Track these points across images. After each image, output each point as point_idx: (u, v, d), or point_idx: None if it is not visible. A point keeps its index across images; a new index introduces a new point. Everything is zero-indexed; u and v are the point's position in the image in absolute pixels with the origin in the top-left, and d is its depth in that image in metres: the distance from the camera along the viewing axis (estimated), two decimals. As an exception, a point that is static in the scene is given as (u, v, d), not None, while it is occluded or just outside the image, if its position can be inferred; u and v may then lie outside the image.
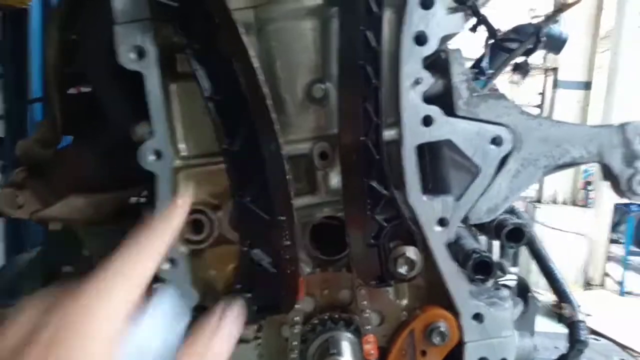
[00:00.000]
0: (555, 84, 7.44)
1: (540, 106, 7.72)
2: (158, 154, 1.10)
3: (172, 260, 1.10)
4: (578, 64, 7.27)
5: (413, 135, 1.06)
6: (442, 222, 1.06)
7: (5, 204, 1.47)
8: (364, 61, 1.02)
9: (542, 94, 7.72)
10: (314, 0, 1.09)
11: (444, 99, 1.10)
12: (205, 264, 1.17)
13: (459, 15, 1.09)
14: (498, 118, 1.06)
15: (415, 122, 1.06)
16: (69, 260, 1.76)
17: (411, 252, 1.02)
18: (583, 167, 7.04)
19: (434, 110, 1.06)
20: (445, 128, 1.06)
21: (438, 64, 1.11)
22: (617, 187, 1.06)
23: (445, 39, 1.12)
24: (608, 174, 1.07)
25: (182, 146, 1.14)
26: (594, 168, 7.27)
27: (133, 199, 1.61)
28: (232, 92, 1.03)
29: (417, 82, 1.06)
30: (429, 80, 1.06)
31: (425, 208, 1.06)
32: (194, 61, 1.03)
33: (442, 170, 1.10)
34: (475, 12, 2.42)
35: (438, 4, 1.05)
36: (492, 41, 2.49)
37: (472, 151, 1.06)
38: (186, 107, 1.13)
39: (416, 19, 1.05)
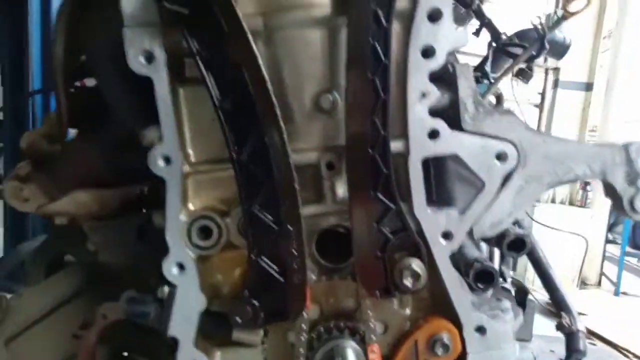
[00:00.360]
0: (556, 84, 7.44)
1: (540, 106, 7.71)
2: (167, 160, 1.11)
3: (180, 266, 1.12)
4: (580, 65, 7.26)
5: (419, 148, 1.07)
6: (447, 235, 1.07)
7: (10, 196, 1.49)
8: (373, 74, 1.03)
9: (543, 93, 7.71)
10: (322, 9, 1.10)
11: (450, 112, 1.11)
12: (212, 268, 1.18)
13: (466, 29, 1.10)
14: (503, 134, 1.08)
15: (422, 135, 1.07)
16: (71, 250, 1.79)
17: (416, 264, 1.04)
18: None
19: (441, 125, 1.07)
20: (451, 142, 1.07)
21: (445, 77, 1.12)
22: (619, 205, 1.07)
23: (452, 52, 1.14)
24: (610, 192, 1.08)
25: (190, 151, 1.15)
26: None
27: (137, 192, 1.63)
28: (242, 100, 1.04)
29: (423, 95, 1.07)
30: (435, 94, 1.07)
31: (430, 221, 1.08)
32: (204, 68, 1.04)
33: (447, 183, 1.11)
34: (480, 16, 2.43)
35: (446, 17, 1.06)
36: (495, 45, 2.50)
37: (477, 166, 1.08)
38: (195, 112, 1.14)
39: (424, 32, 1.06)
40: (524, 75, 2.36)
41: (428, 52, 1.06)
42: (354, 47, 1.04)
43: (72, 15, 1.41)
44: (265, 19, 1.10)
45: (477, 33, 2.56)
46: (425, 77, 1.06)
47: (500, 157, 1.08)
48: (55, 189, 1.52)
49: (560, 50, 2.65)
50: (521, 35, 2.54)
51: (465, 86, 1.09)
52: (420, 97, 1.07)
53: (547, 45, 2.15)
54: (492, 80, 2.47)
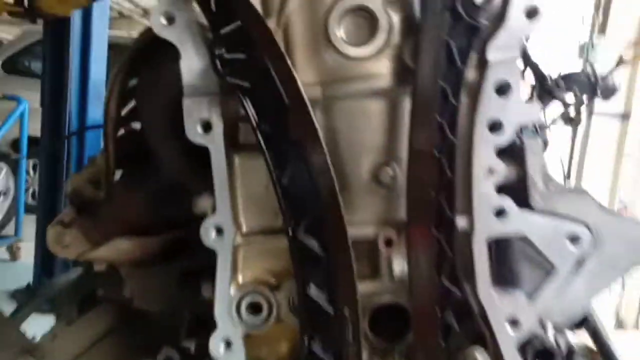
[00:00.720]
0: (591, 114, 7.26)
1: (572, 137, 7.51)
2: (219, 231, 1.07)
3: (227, 343, 1.07)
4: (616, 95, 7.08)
5: (485, 227, 1.01)
6: (514, 323, 1.01)
7: (52, 242, 1.48)
8: (439, 152, 0.98)
9: (576, 124, 7.52)
10: (382, 81, 1.06)
11: (517, 188, 1.05)
12: (258, 341, 1.13)
13: (536, 103, 1.05)
14: (576, 214, 1.02)
15: (488, 214, 1.01)
16: (106, 290, 1.78)
17: (481, 355, 0.97)
18: (617, 196, 6.89)
19: (508, 203, 1.01)
20: (519, 222, 1.01)
21: (512, 151, 1.07)
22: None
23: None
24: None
25: (242, 221, 1.11)
26: (629, 196, 7.09)
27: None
28: (301, 176, 1.01)
29: (490, 171, 1.02)
30: (503, 171, 1.02)
31: (496, 305, 1.01)
32: (263, 141, 1.01)
33: (512, 263, 1.05)
34: (527, 59, 2.38)
35: (514, 91, 1.01)
36: (540, 87, 2.44)
37: (547, 248, 1.01)
38: (249, 179, 1.10)
39: (491, 105, 1.01)
40: (572, 122, 2.29)
41: (495, 127, 1.01)
42: (419, 124, 0.99)
43: (128, 72, 1.42)
44: (324, 89, 1.07)
45: (522, 74, 2.51)
46: (492, 153, 1.01)
47: (573, 239, 1.01)
48: (97, 233, 1.51)
49: (607, 92, 2.57)
50: (568, 78, 2.48)
51: (535, 162, 1.03)
52: (487, 173, 1.01)
53: (598, 93, 2.08)
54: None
